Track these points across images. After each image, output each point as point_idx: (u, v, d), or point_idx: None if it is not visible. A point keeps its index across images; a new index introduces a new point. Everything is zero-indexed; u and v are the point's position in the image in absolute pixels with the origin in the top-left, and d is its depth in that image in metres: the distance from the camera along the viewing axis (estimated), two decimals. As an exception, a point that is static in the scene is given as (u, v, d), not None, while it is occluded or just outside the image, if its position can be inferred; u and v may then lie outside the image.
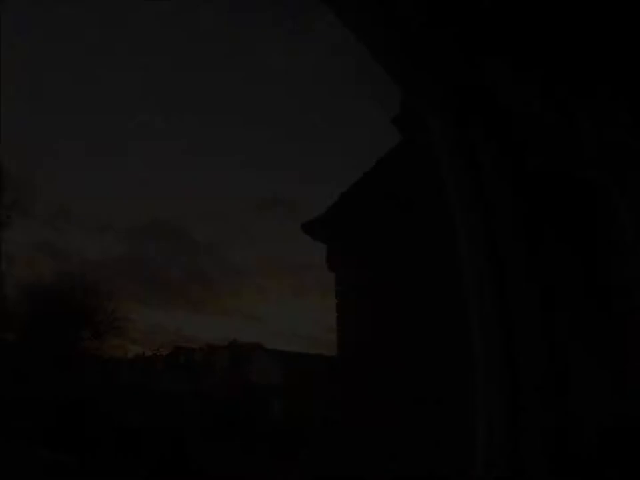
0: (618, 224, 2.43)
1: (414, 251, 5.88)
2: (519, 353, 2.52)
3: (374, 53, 2.69)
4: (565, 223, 2.65)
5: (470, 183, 2.73)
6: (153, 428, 28.60)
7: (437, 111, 2.82)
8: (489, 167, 2.71)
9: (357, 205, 7.01)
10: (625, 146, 2.37)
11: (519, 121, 2.66)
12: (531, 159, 2.68)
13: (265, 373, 48.79)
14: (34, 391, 25.39)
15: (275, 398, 48.69)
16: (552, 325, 2.52)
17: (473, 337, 2.68)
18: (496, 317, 2.60)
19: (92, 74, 45.02)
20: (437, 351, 5.33)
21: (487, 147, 2.73)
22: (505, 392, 2.51)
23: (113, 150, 51.90)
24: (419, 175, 5.42)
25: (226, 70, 48.58)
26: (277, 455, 29.68)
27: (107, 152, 52.48)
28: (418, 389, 5.49)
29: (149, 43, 47.40)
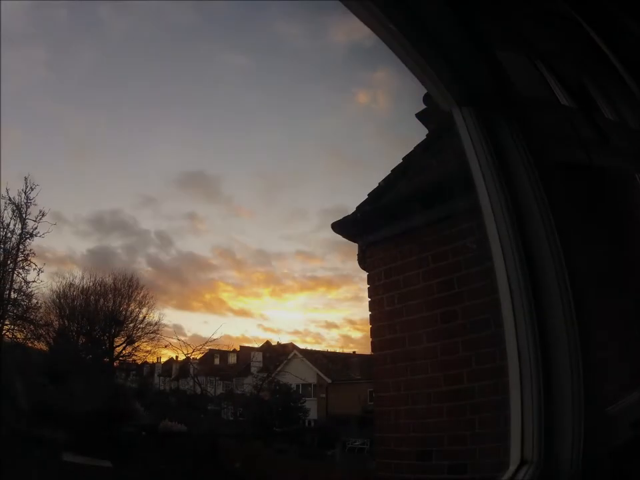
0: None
1: (443, 246, 5.83)
2: (552, 349, 2.49)
3: (394, 50, 2.67)
4: (592, 210, 2.62)
5: (496, 174, 2.71)
6: (187, 432, 28.85)
7: (459, 105, 2.79)
8: (514, 157, 2.68)
9: (385, 201, 7.03)
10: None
11: (541, 111, 2.64)
12: (556, 150, 2.66)
13: (300, 373, 48.99)
14: (68, 398, 25.79)
15: (310, 398, 48.95)
16: (582, 314, 2.49)
17: (506, 334, 2.64)
18: (528, 314, 2.57)
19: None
20: (466, 348, 5.29)
21: (510, 138, 2.70)
22: (539, 392, 2.48)
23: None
24: (446, 169, 5.41)
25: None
26: (310, 455, 29.75)
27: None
28: (448, 385, 5.44)
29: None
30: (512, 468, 2.47)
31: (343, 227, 7.39)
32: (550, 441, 2.43)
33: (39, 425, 21.22)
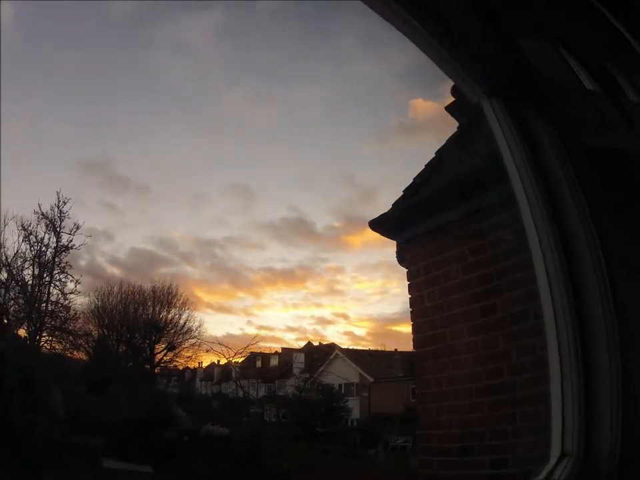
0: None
1: (480, 239, 5.79)
2: (592, 344, 2.46)
3: (419, 45, 2.68)
4: (623, 195, 2.58)
5: (529, 163, 2.68)
6: (230, 436, 29.02)
7: (487, 96, 2.76)
8: (544, 145, 2.65)
9: (420, 197, 7.02)
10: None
11: (568, 97, 2.63)
12: (585, 135, 2.64)
13: (342, 372, 49.04)
14: (108, 406, 26.11)
15: (353, 397, 48.98)
16: (620, 304, 2.45)
17: (545, 325, 2.62)
18: (567, 304, 2.53)
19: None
20: (507, 341, 5.25)
21: (540, 126, 2.66)
22: (579, 384, 2.45)
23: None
24: (479, 161, 5.39)
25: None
26: (353, 454, 29.74)
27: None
28: (489, 379, 5.39)
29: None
30: (552, 461, 2.45)
31: (380, 225, 7.38)
32: (589, 434, 2.40)
33: (79, 433, 21.55)
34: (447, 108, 6.34)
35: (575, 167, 2.60)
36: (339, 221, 74.27)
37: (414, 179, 7.25)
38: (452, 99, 6.19)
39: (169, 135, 56.72)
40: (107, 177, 57.41)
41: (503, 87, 2.72)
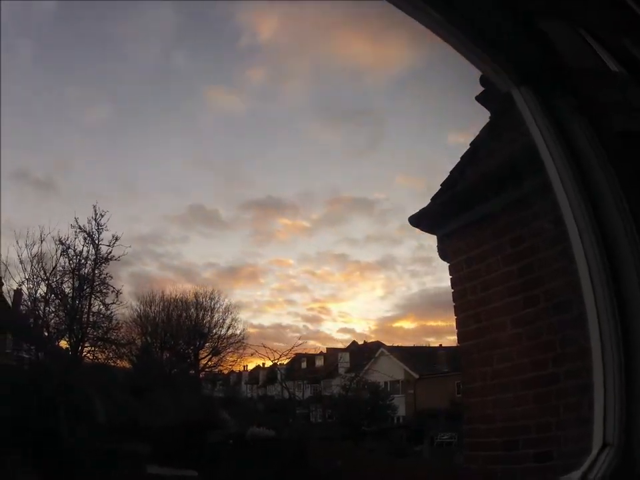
0: None
1: (520, 230, 5.72)
2: (634, 333, 2.43)
3: (444, 38, 2.67)
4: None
5: (562, 150, 2.66)
6: (276, 437, 29.13)
7: (517, 85, 2.75)
8: (576, 131, 2.62)
9: (458, 190, 6.97)
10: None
11: (595, 81, 2.61)
12: (614, 119, 2.61)
13: (387, 370, 48.92)
14: (153, 412, 26.41)
15: (398, 395, 48.82)
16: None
17: (588, 315, 2.58)
18: (609, 301, 2.50)
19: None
20: (550, 332, 5.18)
21: (570, 112, 2.64)
22: (620, 375, 2.42)
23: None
24: (513, 150, 5.33)
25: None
26: (399, 452, 29.66)
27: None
28: (533, 371, 5.33)
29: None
30: (594, 451, 2.43)
31: (419, 219, 7.35)
32: (630, 424, 2.38)
33: (123, 440, 21.86)
34: (477, 98, 6.29)
35: (607, 152, 2.57)
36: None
37: (450, 172, 7.21)
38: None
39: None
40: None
41: (531, 74, 2.70)
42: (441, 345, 57.47)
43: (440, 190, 7.28)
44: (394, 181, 74.13)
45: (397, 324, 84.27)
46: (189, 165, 63.07)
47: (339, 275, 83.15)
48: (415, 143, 65.94)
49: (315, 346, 67.99)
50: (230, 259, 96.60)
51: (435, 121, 58.75)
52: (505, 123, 5.82)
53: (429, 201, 7.43)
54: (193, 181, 64.78)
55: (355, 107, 54.61)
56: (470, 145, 6.98)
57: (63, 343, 34.08)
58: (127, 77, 49.91)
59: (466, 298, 6.41)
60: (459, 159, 7.13)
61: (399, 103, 57.05)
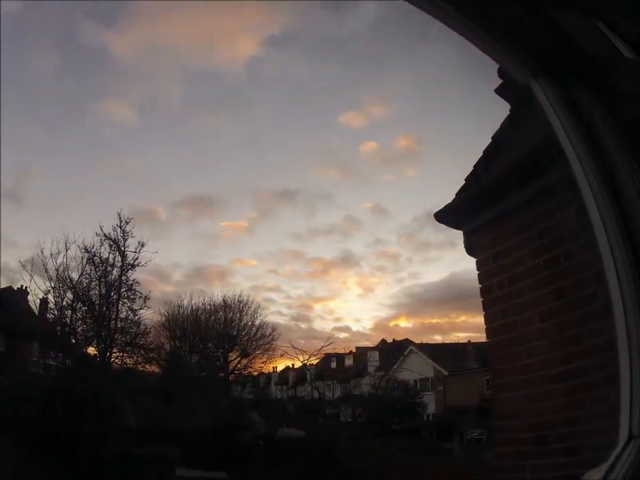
0: None
1: (545, 222, 5.67)
2: None
3: (458, 31, 2.67)
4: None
5: (583, 140, 2.65)
6: (306, 438, 29.18)
7: (534, 76, 2.75)
8: (595, 119, 2.62)
9: (482, 184, 6.93)
10: None
11: (610, 68, 2.59)
12: (631, 105, 2.60)
13: (417, 368, 48.82)
14: (182, 415, 26.60)
15: (428, 392, 48.65)
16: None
17: (613, 306, 2.55)
18: (635, 291, 2.48)
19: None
20: (577, 324, 5.12)
21: (589, 100, 2.64)
22: None
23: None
24: (535, 142, 5.28)
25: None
26: (429, 450, 29.54)
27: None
28: (561, 365, 5.28)
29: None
30: (620, 444, 2.40)
31: (445, 215, 7.30)
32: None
33: (151, 443, 22.04)
34: (497, 90, 6.25)
35: (628, 140, 2.55)
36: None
37: (474, 166, 7.16)
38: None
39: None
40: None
41: (548, 64, 2.69)
42: (469, 340, 57.31)
43: (464, 185, 7.23)
44: (304, 169, 74.26)
45: (393, 322, 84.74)
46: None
47: (306, 274, 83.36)
48: (309, 128, 66.60)
49: (344, 345, 67.87)
50: (190, 260, 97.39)
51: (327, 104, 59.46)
52: (526, 114, 5.78)
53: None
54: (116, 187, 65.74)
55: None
56: (492, 138, 6.93)
57: (91, 349, 34.49)
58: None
59: (493, 293, 6.36)
60: (482, 153, 7.09)
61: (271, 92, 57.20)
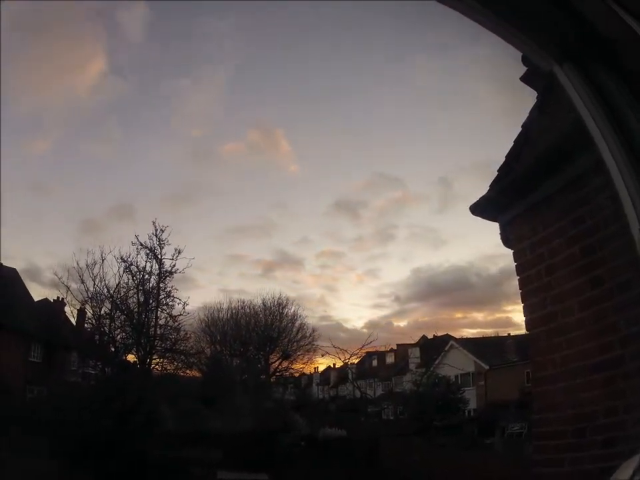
0: None
1: (579, 209, 5.59)
2: None
3: (483, 23, 2.69)
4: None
5: (608, 123, 2.64)
6: (348, 437, 29.15)
7: (558, 62, 2.76)
8: (620, 103, 2.60)
9: (514, 174, 6.87)
10: None
11: (629, 49, 2.57)
12: None
13: (458, 363, 48.51)
14: (224, 419, 26.76)
15: (469, 387, 48.26)
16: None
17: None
18: None
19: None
20: (615, 313, 5.04)
21: (613, 84, 2.63)
22: None
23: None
24: (563, 128, 5.21)
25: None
26: (470, 445, 29.30)
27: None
28: (600, 355, 5.19)
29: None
30: None
31: (480, 208, 7.25)
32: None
33: (193, 447, 22.23)
34: (522, 79, 6.19)
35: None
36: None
37: (506, 156, 7.11)
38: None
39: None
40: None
41: (571, 50, 2.69)
42: (509, 333, 56.79)
43: (497, 176, 7.18)
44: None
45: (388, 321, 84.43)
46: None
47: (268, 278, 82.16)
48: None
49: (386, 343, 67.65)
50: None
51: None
52: (553, 100, 5.72)
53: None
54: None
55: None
56: (522, 127, 6.87)
57: (131, 357, 34.85)
58: None
59: (532, 284, 6.31)
60: (512, 143, 7.03)
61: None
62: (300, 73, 62.02)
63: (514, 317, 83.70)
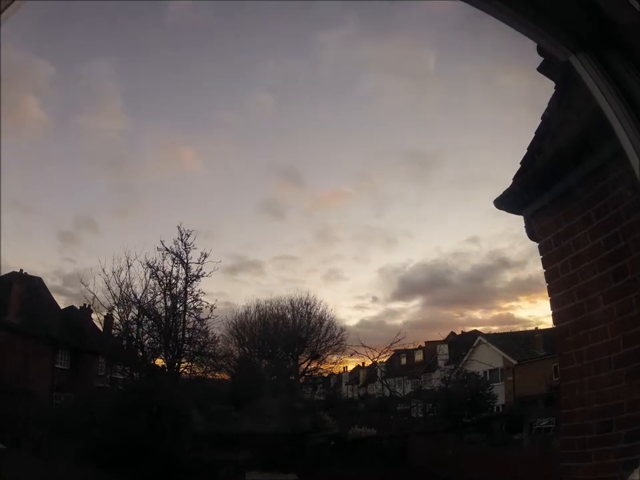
0: None
1: (601, 200, 5.54)
2: None
3: (497, 16, 2.70)
4: None
5: (627, 111, 2.63)
6: (377, 436, 29.08)
7: (574, 52, 2.76)
8: (636, 90, 2.59)
9: (536, 167, 6.84)
10: None
11: None
12: None
13: (486, 358, 48.18)
14: (253, 420, 26.85)
15: (498, 383, 47.84)
16: None
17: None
18: None
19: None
20: (637, 310, 4.98)
21: (628, 72, 2.62)
22: None
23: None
24: (583, 119, 5.17)
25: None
26: (498, 442, 29.08)
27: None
28: (626, 346, 5.13)
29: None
30: None
31: (504, 201, 7.23)
32: None
33: (222, 449, 22.32)
34: (539, 69, 6.14)
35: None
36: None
37: (528, 148, 7.07)
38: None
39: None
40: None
41: (586, 39, 2.69)
42: (537, 327, 56.29)
43: (520, 168, 7.15)
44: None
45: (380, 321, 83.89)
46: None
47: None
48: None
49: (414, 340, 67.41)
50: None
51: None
52: (570, 91, 5.68)
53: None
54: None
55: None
56: (541, 118, 6.83)
57: (159, 361, 35.06)
58: None
59: (558, 277, 6.26)
60: (533, 134, 6.99)
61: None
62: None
63: (515, 314, 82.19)
